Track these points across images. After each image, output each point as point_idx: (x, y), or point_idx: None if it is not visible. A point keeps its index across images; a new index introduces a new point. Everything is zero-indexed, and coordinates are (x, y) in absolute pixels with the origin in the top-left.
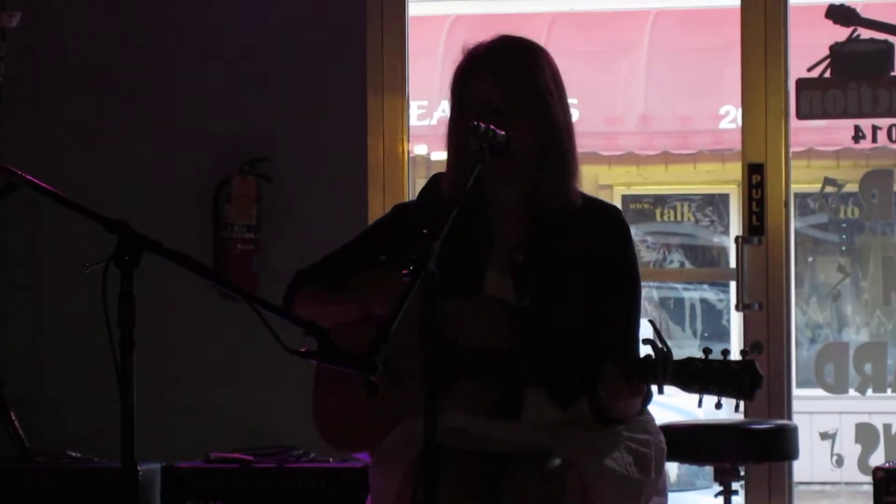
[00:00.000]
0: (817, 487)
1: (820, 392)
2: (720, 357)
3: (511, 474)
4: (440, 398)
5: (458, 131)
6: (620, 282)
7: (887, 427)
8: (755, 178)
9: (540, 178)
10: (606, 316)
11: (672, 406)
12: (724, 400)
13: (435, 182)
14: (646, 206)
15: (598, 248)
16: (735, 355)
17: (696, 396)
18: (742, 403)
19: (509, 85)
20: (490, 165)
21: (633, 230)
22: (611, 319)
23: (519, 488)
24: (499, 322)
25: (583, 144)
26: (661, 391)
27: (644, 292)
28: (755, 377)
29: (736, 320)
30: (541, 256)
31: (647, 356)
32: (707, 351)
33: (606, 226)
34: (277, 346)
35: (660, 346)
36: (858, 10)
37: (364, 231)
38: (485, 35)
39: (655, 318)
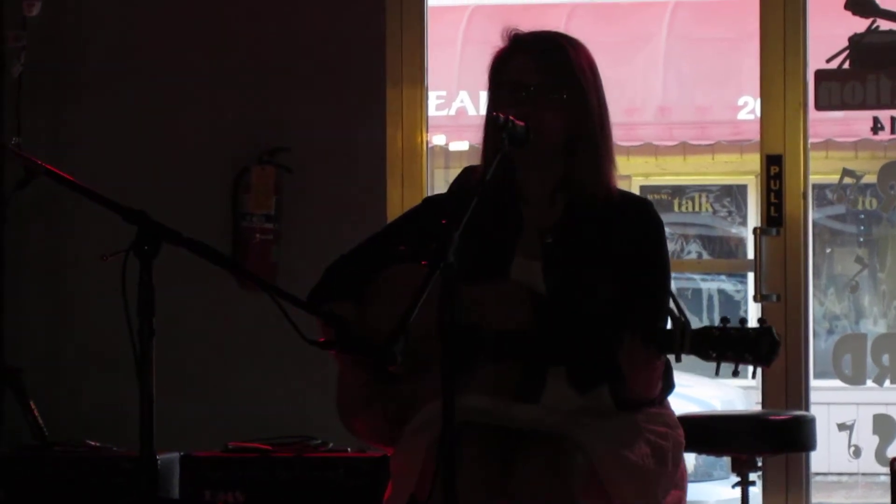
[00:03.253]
0: (834, 478)
1: (837, 383)
2: (737, 325)
3: (526, 452)
4: (460, 383)
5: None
6: (651, 272)
7: None
8: (773, 169)
9: (572, 163)
10: (635, 303)
11: (690, 397)
12: (741, 368)
13: (466, 174)
14: (664, 196)
15: (630, 240)
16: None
17: (710, 384)
18: (759, 370)
19: (545, 65)
20: (514, 155)
21: None
22: (639, 305)
23: (530, 467)
24: (522, 305)
25: None
26: (678, 359)
27: None
28: (773, 342)
29: (754, 311)
30: (571, 241)
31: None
32: (725, 320)
33: (640, 219)
34: (296, 336)
35: (677, 315)
36: (878, 1)
37: (393, 222)
38: (502, 24)
39: (672, 309)
